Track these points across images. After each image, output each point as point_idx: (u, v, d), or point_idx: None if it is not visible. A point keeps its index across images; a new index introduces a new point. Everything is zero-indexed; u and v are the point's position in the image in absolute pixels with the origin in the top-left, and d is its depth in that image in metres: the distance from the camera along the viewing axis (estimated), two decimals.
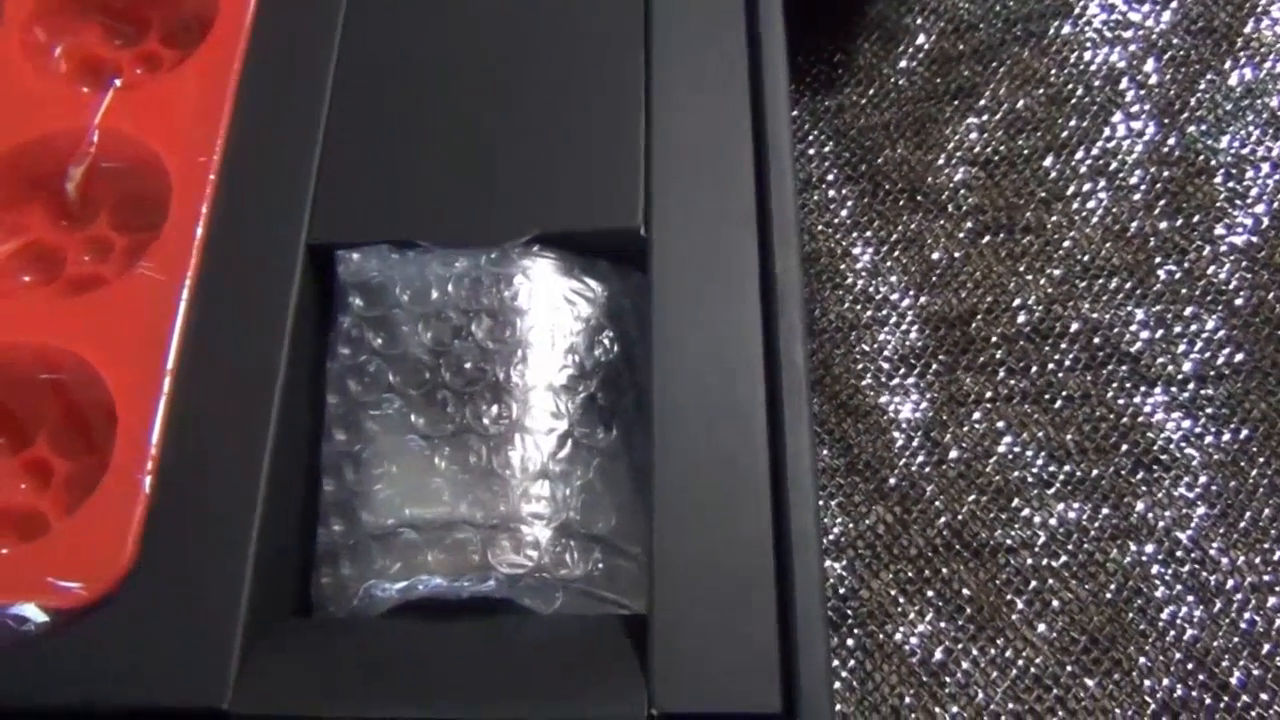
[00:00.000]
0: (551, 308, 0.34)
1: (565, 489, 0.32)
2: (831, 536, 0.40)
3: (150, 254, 0.34)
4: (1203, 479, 0.40)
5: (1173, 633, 0.37)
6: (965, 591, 0.39)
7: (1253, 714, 0.36)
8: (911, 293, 0.45)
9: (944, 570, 0.39)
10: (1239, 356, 0.42)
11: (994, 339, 0.43)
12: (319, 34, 0.38)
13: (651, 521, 0.30)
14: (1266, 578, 0.38)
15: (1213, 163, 0.45)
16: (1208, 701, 0.36)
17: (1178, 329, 0.42)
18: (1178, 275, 0.43)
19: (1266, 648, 0.37)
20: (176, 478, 0.31)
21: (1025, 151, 0.47)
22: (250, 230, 0.35)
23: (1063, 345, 0.43)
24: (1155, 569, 0.39)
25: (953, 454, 0.41)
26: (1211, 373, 0.42)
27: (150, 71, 0.41)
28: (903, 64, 0.50)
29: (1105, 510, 0.40)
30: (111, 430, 0.32)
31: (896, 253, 0.46)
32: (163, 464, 0.31)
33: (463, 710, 0.28)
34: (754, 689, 0.28)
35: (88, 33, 0.41)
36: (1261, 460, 0.40)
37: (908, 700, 0.37)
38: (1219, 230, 0.44)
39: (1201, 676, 0.37)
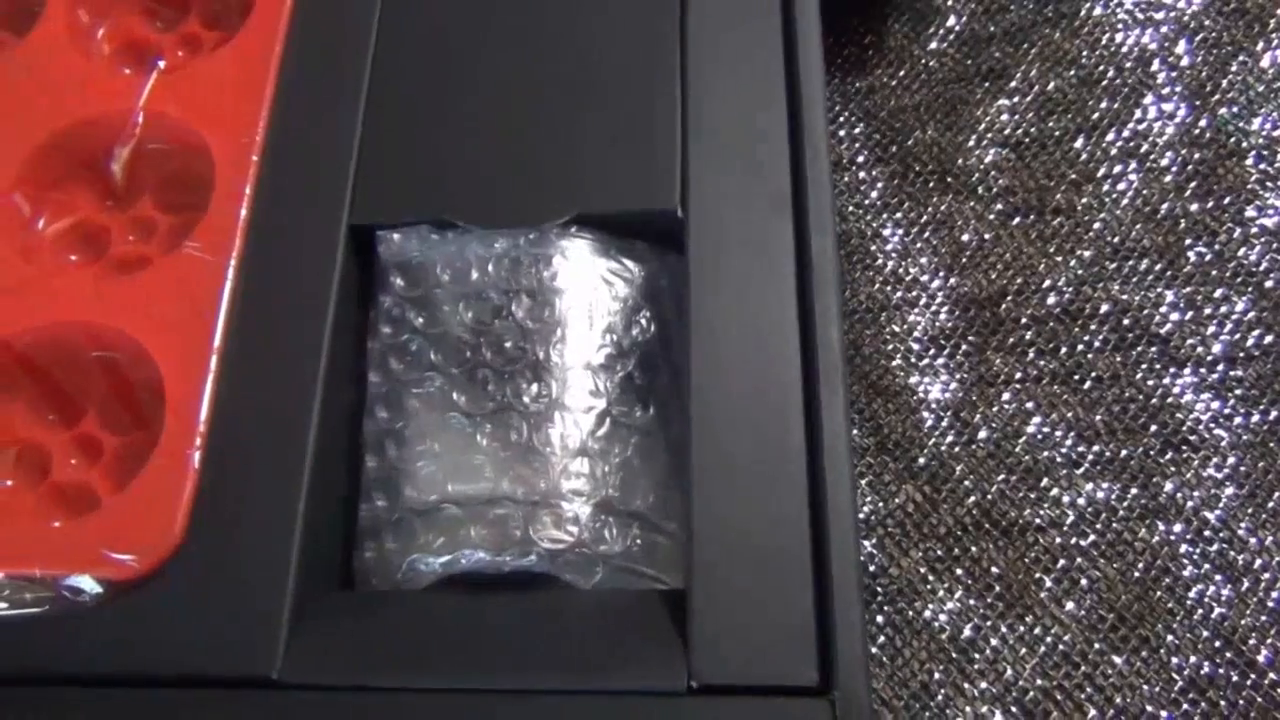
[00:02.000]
0: (589, 288, 0.34)
1: (604, 466, 0.32)
2: (862, 515, 0.41)
3: (196, 234, 0.35)
4: (1231, 459, 0.40)
5: (1200, 611, 0.38)
6: (994, 570, 0.39)
7: None
8: (941, 274, 0.45)
9: (973, 549, 0.40)
10: (1269, 338, 0.42)
11: (1024, 320, 0.43)
12: (359, 16, 0.38)
13: (689, 498, 0.30)
14: None
15: (1244, 145, 0.45)
16: (1235, 679, 0.37)
17: (1208, 310, 0.43)
18: (1208, 257, 0.44)
19: None
20: (224, 454, 0.32)
21: (1056, 133, 0.47)
22: (293, 210, 0.35)
23: (1092, 326, 0.43)
24: (1183, 548, 0.39)
25: (982, 434, 0.42)
26: (1241, 354, 0.42)
27: (191, 53, 0.41)
28: (933, 45, 0.50)
29: (1134, 490, 0.40)
30: (160, 407, 0.32)
31: (927, 234, 0.46)
32: (210, 440, 0.32)
33: (505, 681, 0.29)
34: (791, 663, 0.28)
35: (129, 15, 0.42)
36: None
37: (937, 676, 0.38)
38: (1250, 212, 0.44)
39: (1229, 654, 0.37)
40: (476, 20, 0.38)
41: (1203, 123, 0.46)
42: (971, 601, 0.39)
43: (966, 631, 0.39)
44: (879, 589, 0.40)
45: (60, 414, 0.35)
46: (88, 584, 0.30)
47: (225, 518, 0.31)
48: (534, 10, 0.38)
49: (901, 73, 0.50)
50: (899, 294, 0.45)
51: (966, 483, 0.41)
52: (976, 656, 0.38)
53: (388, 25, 0.38)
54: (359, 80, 0.37)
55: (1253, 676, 0.36)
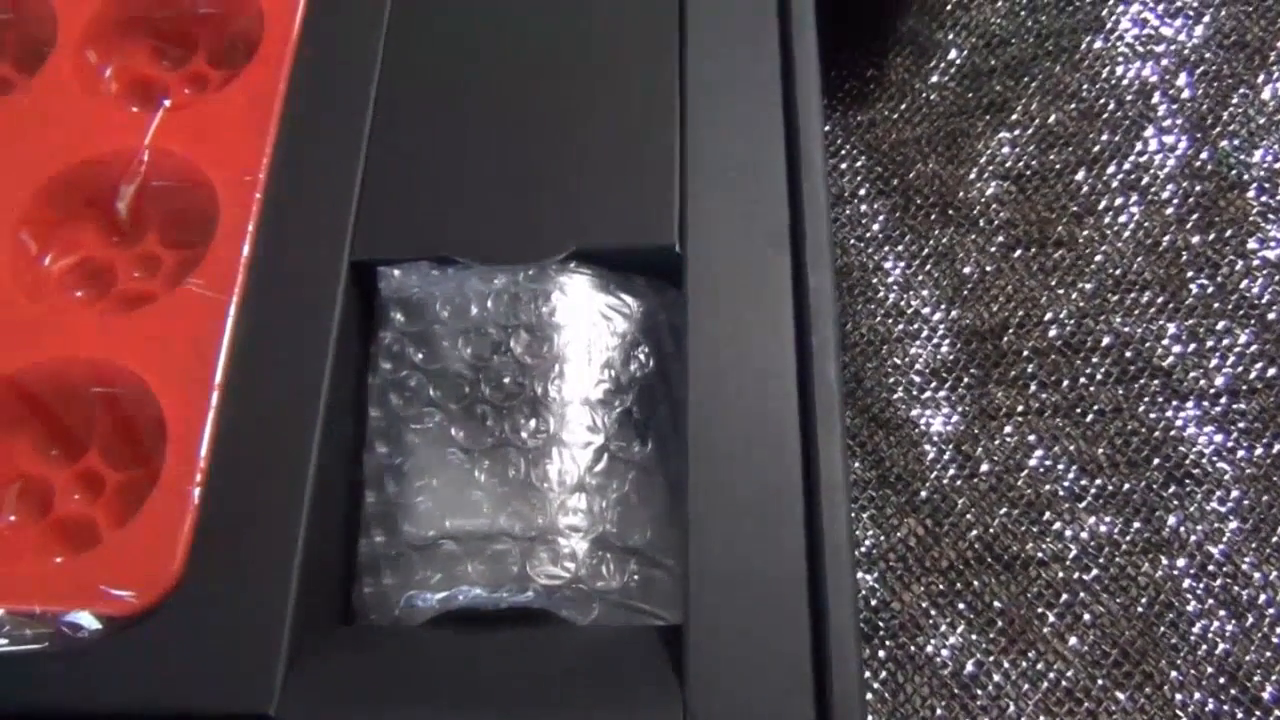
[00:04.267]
0: (588, 323, 0.34)
1: (601, 501, 0.32)
2: (863, 549, 0.41)
3: (199, 271, 0.35)
4: (1235, 493, 0.40)
5: (1204, 647, 0.38)
6: (996, 604, 0.39)
7: None
8: (943, 306, 0.45)
9: (975, 583, 0.40)
10: (1271, 371, 0.42)
11: (1025, 353, 0.43)
12: (361, 55, 0.39)
13: (686, 534, 0.30)
14: None
15: (1245, 177, 0.46)
16: (1240, 716, 0.36)
17: (1210, 343, 0.43)
18: (1210, 289, 0.44)
19: None
20: (224, 489, 0.32)
21: (1057, 166, 0.47)
22: (295, 247, 0.36)
23: (1094, 359, 0.43)
24: (1187, 583, 0.39)
25: (984, 467, 0.42)
26: (1244, 387, 0.42)
27: (198, 91, 0.42)
28: (934, 79, 0.50)
29: (1137, 524, 0.40)
30: (161, 442, 0.32)
31: (928, 267, 0.46)
32: (211, 476, 0.32)
33: (501, 718, 0.29)
34: (788, 700, 0.28)
35: (137, 54, 0.42)
36: None
37: (939, 712, 0.38)
38: (1251, 244, 0.44)
39: (1233, 691, 0.37)
40: (477, 58, 0.39)
41: (1204, 155, 0.46)
42: (974, 636, 0.39)
43: (969, 667, 0.38)
44: (880, 623, 0.39)
45: (63, 449, 0.35)
46: (87, 620, 0.30)
47: (225, 553, 0.31)
48: (533, 48, 0.38)
49: (903, 106, 0.50)
50: (900, 326, 0.45)
51: (968, 516, 0.41)
52: (979, 692, 0.38)
53: (389, 65, 0.39)
54: (361, 119, 0.38)
55: (1258, 713, 0.36)
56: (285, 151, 0.37)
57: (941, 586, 0.40)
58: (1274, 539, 0.39)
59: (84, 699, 0.30)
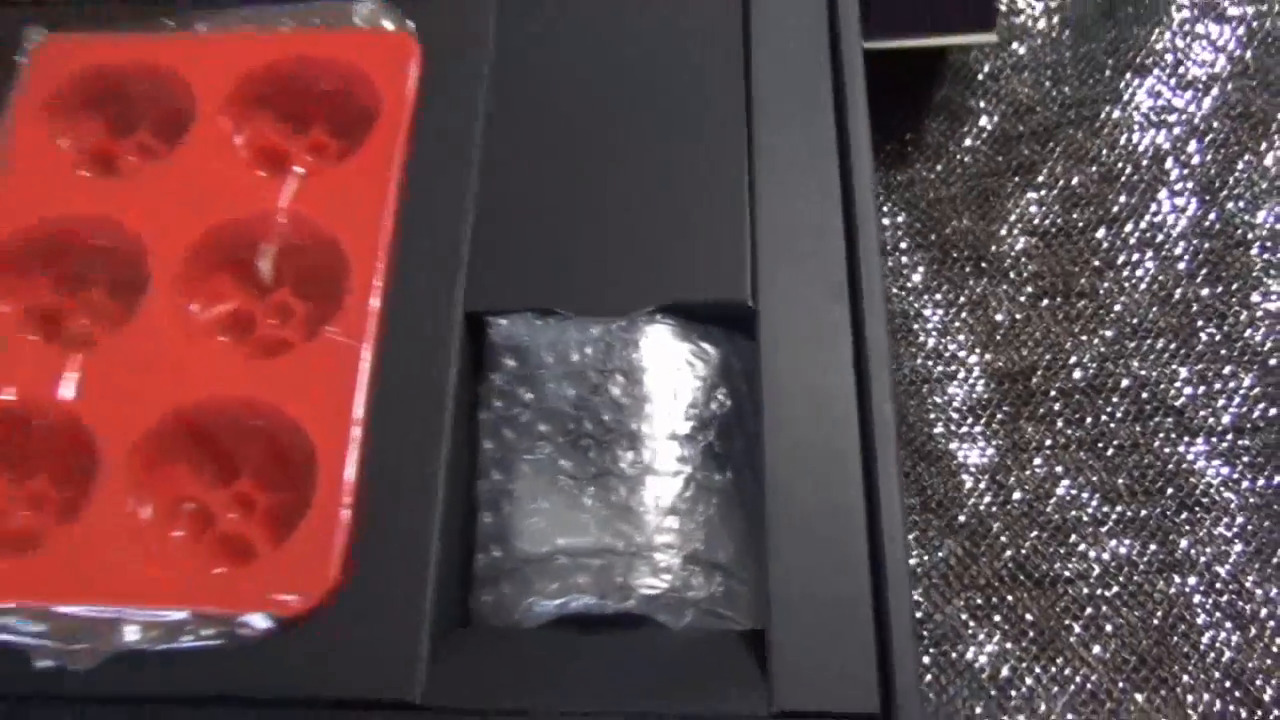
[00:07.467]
0: (673, 368, 0.39)
1: (690, 523, 0.37)
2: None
3: (336, 320, 0.40)
4: (1240, 519, 0.44)
5: (1213, 655, 0.42)
6: (1028, 617, 0.44)
7: None
8: (978, 350, 0.49)
9: (1009, 598, 0.44)
10: (1273, 411, 0.46)
11: (1052, 393, 0.48)
12: (467, 128, 0.43)
13: (767, 550, 0.35)
14: None
15: (1249, 236, 0.50)
16: (1243, 715, 0.40)
17: (1218, 385, 0.47)
18: (1218, 337, 0.48)
19: None
20: (368, 510, 0.37)
21: (1080, 224, 0.51)
22: (416, 300, 0.40)
23: (1114, 399, 0.47)
24: (1197, 599, 0.43)
25: (1016, 495, 0.46)
26: (1248, 425, 0.46)
27: (318, 158, 0.46)
28: (968, 143, 0.54)
29: (1153, 546, 0.44)
30: (310, 469, 0.37)
31: (964, 314, 0.50)
32: (356, 499, 0.37)
33: (611, 704, 0.34)
34: (856, 692, 0.33)
35: (264, 126, 0.47)
36: None
37: (979, 711, 0.42)
38: (1255, 297, 0.48)
39: (1238, 693, 0.41)
40: (569, 133, 0.43)
41: (1212, 215, 0.50)
42: (1008, 645, 0.43)
43: (1004, 672, 0.42)
44: (925, 633, 0.44)
45: (223, 473, 0.40)
46: (259, 620, 0.35)
47: (371, 563, 0.36)
48: (623, 128, 0.43)
49: (939, 167, 0.54)
50: (939, 368, 0.49)
51: (1003, 539, 0.45)
52: (1013, 694, 0.42)
53: (494, 136, 0.43)
54: (467, 186, 0.42)
55: (1259, 712, 0.40)
56: (405, 216, 0.42)
57: (979, 601, 0.44)
58: (1275, 560, 0.43)
59: (256, 688, 0.34)
